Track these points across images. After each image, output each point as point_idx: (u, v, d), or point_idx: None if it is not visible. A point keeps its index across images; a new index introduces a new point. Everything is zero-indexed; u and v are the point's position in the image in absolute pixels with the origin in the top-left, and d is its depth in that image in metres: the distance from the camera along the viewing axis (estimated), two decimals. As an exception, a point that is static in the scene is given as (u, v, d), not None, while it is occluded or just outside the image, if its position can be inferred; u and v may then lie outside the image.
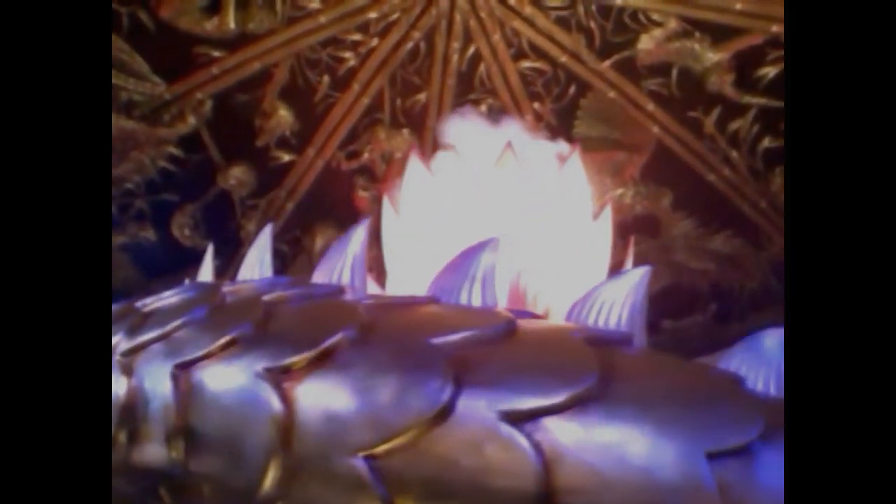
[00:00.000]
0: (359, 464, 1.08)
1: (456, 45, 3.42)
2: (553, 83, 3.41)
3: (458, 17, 3.40)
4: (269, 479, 1.10)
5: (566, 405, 1.07)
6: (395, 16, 3.40)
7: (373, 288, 2.38)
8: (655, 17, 3.29)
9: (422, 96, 3.46)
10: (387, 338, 1.19)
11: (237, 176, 3.58)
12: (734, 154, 3.41)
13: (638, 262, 3.64)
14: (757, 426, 1.05)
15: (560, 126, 3.40)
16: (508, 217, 2.23)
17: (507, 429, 1.07)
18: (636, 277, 1.25)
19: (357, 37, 3.43)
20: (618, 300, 1.21)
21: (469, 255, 1.34)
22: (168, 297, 1.43)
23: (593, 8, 3.32)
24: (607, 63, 3.38)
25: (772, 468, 1.02)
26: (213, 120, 3.45)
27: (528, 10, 3.36)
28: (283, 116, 3.49)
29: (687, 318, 3.58)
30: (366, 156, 3.55)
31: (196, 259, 3.43)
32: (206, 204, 3.57)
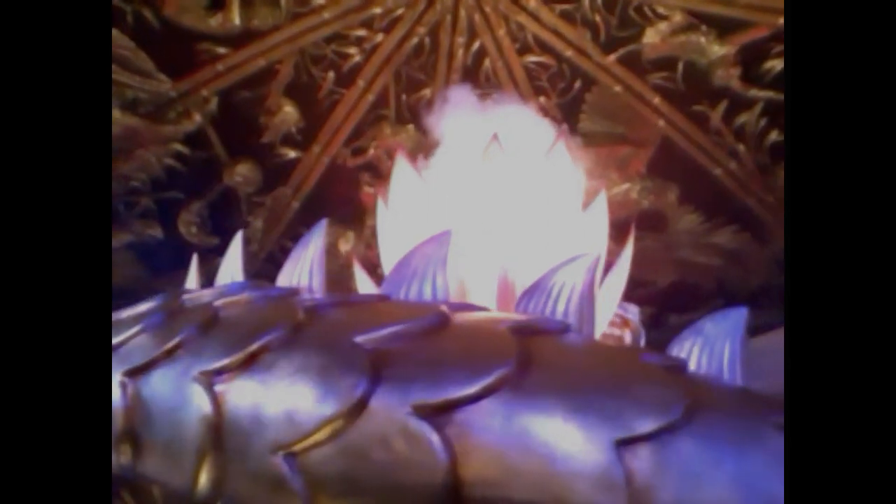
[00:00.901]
0: (279, 461, 1.10)
1: (461, 40, 3.41)
2: (558, 77, 3.40)
3: (462, 12, 3.39)
4: (203, 480, 1.13)
5: (477, 396, 1.08)
6: (400, 11, 3.39)
7: (369, 287, 2.40)
8: (661, 10, 3.28)
9: (427, 92, 3.46)
10: (314, 337, 1.21)
11: (243, 173, 3.59)
12: (741, 148, 3.40)
13: (644, 257, 3.65)
14: (673, 412, 1.03)
15: (565, 120, 3.40)
16: (496, 211, 2.23)
17: (416, 422, 1.07)
18: (586, 263, 1.22)
19: (361, 32, 3.43)
20: (566, 287, 1.19)
21: (418, 251, 1.34)
22: (138, 306, 1.44)
23: (598, 2, 3.31)
24: (612, 57, 3.37)
25: (687, 454, 1.01)
26: (218, 117, 3.45)
27: (533, 4, 3.35)
28: (289, 113, 3.49)
29: (692, 314, 3.56)
30: (371, 152, 3.55)
31: (202, 257, 3.44)
32: (212, 201, 3.58)
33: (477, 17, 3.40)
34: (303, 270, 1.43)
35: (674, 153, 3.46)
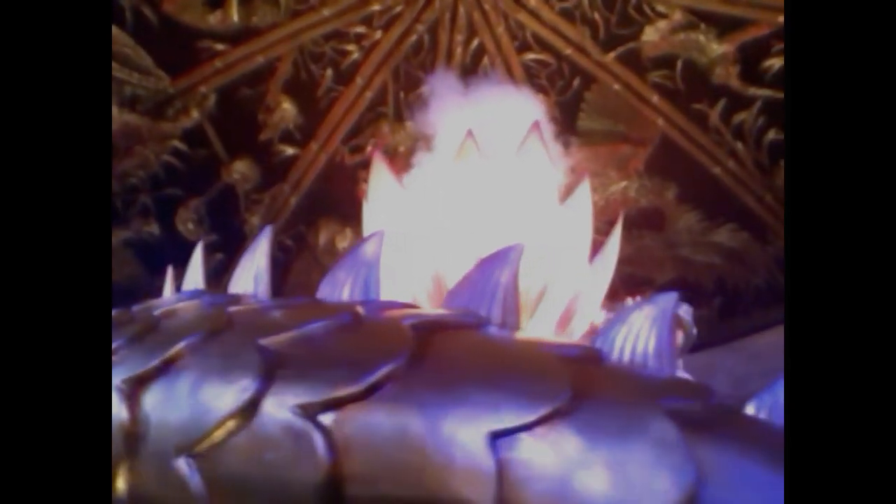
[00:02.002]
0: (181, 464, 1.13)
1: (460, 37, 3.41)
2: (557, 75, 3.40)
3: (461, 10, 3.39)
4: (120, 485, 1.15)
5: (361, 394, 1.09)
6: (399, 9, 3.39)
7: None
8: (660, 8, 3.27)
9: (425, 90, 3.45)
10: (225, 342, 1.23)
11: (241, 170, 3.58)
12: (739, 147, 3.39)
13: (642, 255, 3.63)
14: (554, 402, 1.03)
15: (564, 119, 3.39)
16: (471, 208, 2.24)
17: (301, 422, 1.09)
18: (509, 255, 1.20)
19: (360, 30, 3.42)
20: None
21: (353, 252, 1.36)
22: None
23: (598, 0, 3.30)
24: (612, 55, 3.37)
25: (565, 444, 1.01)
26: (216, 114, 3.45)
27: (533, 2, 3.35)
28: (287, 110, 3.49)
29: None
30: (369, 150, 3.55)
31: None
32: (210, 198, 3.57)
33: (476, 14, 3.39)
34: (250, 277, 1.46)
35: (672, 151, 3.45)
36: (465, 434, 1.04)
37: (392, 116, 3.52)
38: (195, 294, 1.47)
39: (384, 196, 2.33)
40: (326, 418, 1.09)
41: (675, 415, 0.99)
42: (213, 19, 3.31)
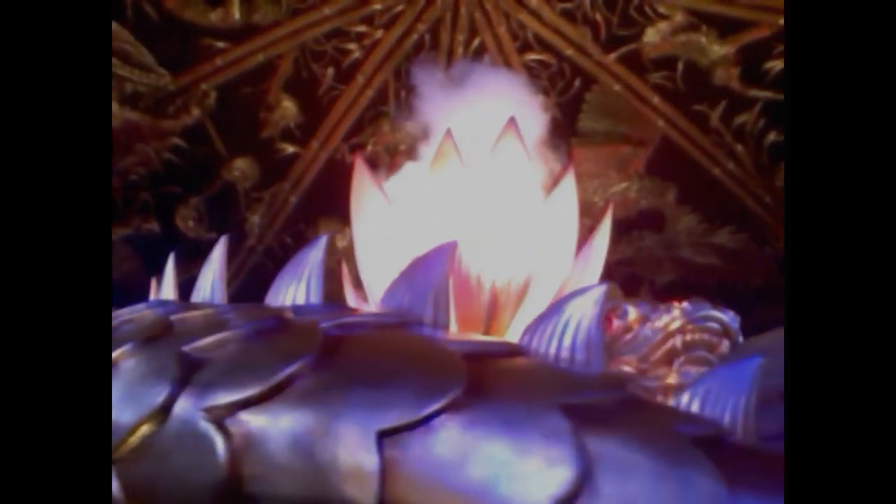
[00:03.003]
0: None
1: (461, 37, 3.41)
2: (558, 76, 3.40)
3: (463, 10, 3.39)
4: None
5: (264, 396, 1.10)
6: (400, 8, 3.39)
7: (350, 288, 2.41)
8: (662, 9, 3.27)
9: (423, 88, 3.45)
10: (153, 348, 1.25)
11: (241, 168, 3.58)
12: (739, 148, 3.39)
13: (642, 256, 3.62)
14: (444, 398, 1.03)
15: (565, 119, 3.39)
16: (451, 209, 2.24)
17: (205, 425, 1.11)
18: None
19: (362, 28, 3.42)
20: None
21: (297, 256, 1.37)
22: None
23: (599, 0, 3.30)
24: (613, 56, 3.37)
25: (452, 440, 1.00)
26: (217, 112, 3.44)
27: (535, 2, 3.35)
28: (288, 108, 3.49)
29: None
30: (370, 148, 3.54)
31: (200, 252, 3.43)
32: (210, 196, 3.58)
33: (477, 14, 3.39)
34: (205, 285, 1.48)
35: (673, 153, 3.45)
36: (354, 433, 1.05)
37: (393, 115, 3.52)
38: (157, 303, 1.48)
39: (367, 204, 2.35)
40: (228, 421, 1.10)
41: (571, 409, 0.98)
42: (215, 17, 3.31)
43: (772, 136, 3.33)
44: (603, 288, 1.14)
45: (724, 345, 2.14)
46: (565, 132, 3.31)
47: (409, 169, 2.54)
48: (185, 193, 3.55)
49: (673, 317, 2.18)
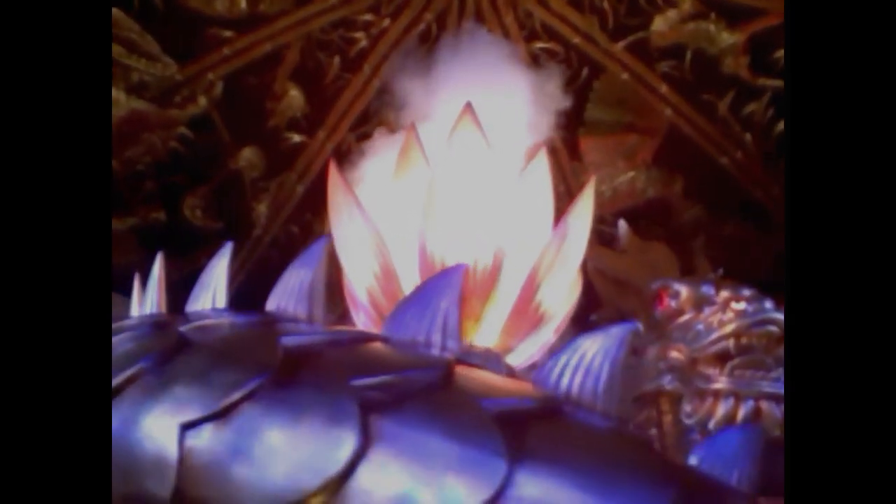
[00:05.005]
0: None
1: (468, 26, 3.39)
2: (566, 65, 3.38)
3: (470, -1, 3.37)
4: None
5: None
6: (407, -4, 3.38)
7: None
8: (670, -3, 3.26)
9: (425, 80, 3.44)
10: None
11: (248, 158, 3.58)
12: (748, 137, 3.37)
13: (642, 245, 3.59)
14: (242, 389, 1.05)
15: (572, 108, 3.38)
16: (419, 199, 2.25)
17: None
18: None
19: (368, 17, 3.41)
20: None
21: (207, 267, 1.40)
22: None
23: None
24: (621, 45, 3.35)
25: (251, 429, 1.02)
26: (223, 101, 3.44)
27: (542, -10, 3.33)
28: (294, 98, 3.48)
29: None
30: (377, 138, 3.54)
31: (207, 241, 3.43)
32: (216, 186, 3.57)
33: (485, 3, 3.37)
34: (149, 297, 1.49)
35: (680, 142, 3.44)
36: (160, 428, 1.08)
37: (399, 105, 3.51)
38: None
39: (342, 206, 2.37)
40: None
41: (364, 393, 0.99)
42: (221, 6, 3.30)
43: (781, 126, 3.31)
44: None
45: (782, 349, 2.07)
46: (572, 121, 3.29)
47: (376, 164, 2.57)
48: (191, 183, 3.55)
49: (729, 318, 2.13)
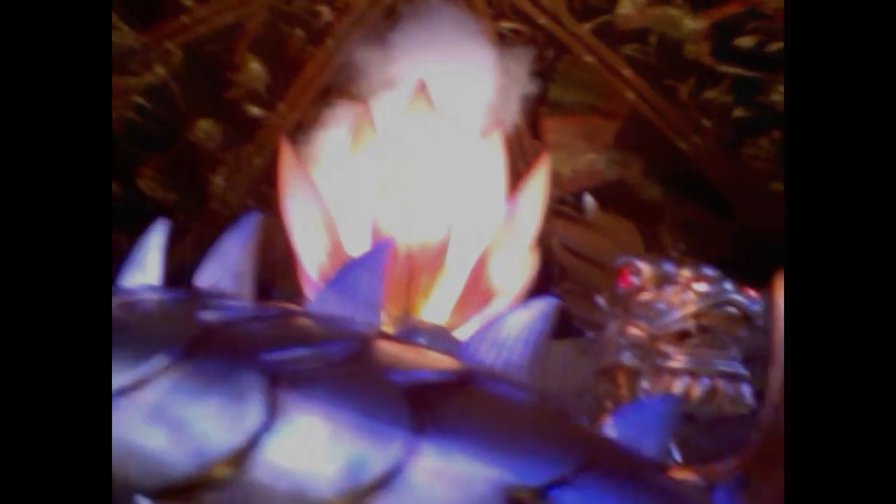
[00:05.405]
0: None
1: (434, 2, 3.35)
2: (531, 45, 3.38)
3: (437, -26, 3.33)
4: None
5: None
6: (373, -31, 3.32)
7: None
8: (636, -19, 3.27)
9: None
10: None
11: (205, 129, 3.50)
12: (706, 122, 3.43)
13: (608, 222, 3.65)
14: (158, 363, 1.03)
15: (537, 89, 3.38)
16: (371, 174, 2.25)
17: None
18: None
19: (333, -10, 3.35)
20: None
21: (141, 242, 1.36)
22: None
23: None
24: (586, 27, 3.36)
25: (162, 407, 1.01)
26: (181, 71, 3.35)
27: (509, -31, 3.31)
28: (255, 70, 3.41)
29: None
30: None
31: (162, 213, 3.35)
32: (173, 157, 3.49)
33: (452, -21, 3.34)
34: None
35: (641, 125, 3.47)
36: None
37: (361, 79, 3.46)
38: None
39: (294, 185, 2.35)
40: None
41: (272, 367, 0.99)
42: (180, -28, 3.21)
43: (738, 112, 3.37)
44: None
45: (743, 330, 2.11)
46: (535, 102, 3.30)
47: (334, 140, 2.55)
48: (146, 154, 3.46)
49: (691, 298, 2.15)
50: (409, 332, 2.20)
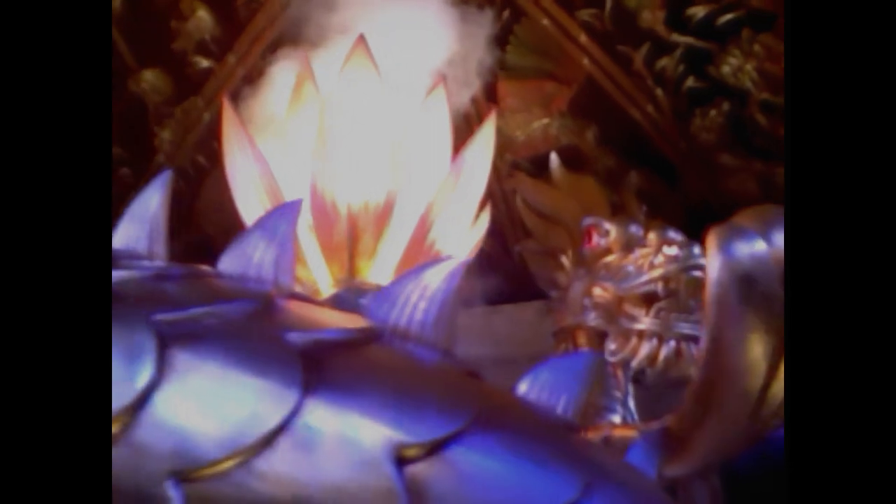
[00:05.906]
0: None
1: (390, -42, 3.28)
2: (487, 5, 3.34)
3: (393, -72, 3.25)
4: None
5: None
6: (327, -80, 3.22)
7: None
8: (593, -55, 3.24)
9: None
10: None
11: (151, 81, 3.40)
12: (659, 92, 3.44)
13: (572, 182, 3.64)
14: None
15: (491, 52, 3.35)
16: (310, 134, 2.22)
17: None
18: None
19: (284, -63, 3.25)
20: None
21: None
22: None
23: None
24: (543, -11, 3.33)
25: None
26: (124, 19, 3.23)
27: (467, -73, 3.25)
28: (203, 19, 3.30)
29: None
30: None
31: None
32: (116, 110, 3.38)
33: (408, -66, 3.26)
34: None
35: (595, 93, 3.48)
36: None
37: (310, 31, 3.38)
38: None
39: (236, 147, 2.30)
40: None
41: (164, 327, 0.99)
42: (124, -87, 3.08)
43: (690, 82, 3.39)
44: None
45: (704, 293, 2.14)
46: (491, 64, 3.27)
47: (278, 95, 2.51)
48: (88, 104, 3.34)
49: (659, 262, 2.17)
50: (352, 293, 2.18)
